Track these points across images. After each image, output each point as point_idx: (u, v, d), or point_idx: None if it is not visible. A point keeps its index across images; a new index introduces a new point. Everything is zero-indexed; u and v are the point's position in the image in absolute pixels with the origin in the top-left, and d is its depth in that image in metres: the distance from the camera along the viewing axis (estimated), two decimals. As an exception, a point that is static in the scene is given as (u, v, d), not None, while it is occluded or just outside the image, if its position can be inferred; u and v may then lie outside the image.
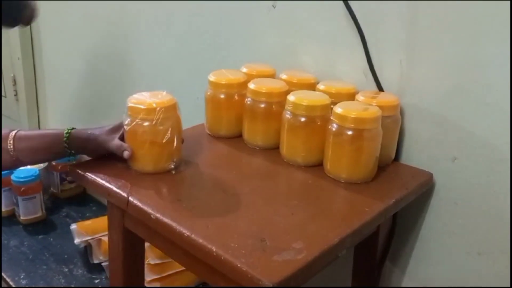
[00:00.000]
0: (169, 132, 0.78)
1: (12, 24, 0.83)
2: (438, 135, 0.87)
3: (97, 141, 0.80)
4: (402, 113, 0.91)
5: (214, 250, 0.61)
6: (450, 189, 0.88)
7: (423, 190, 0.87)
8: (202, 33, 1.23)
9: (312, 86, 0.94)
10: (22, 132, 0.83)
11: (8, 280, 1.35)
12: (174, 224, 0.66)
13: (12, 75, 1.92)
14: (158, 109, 0.77)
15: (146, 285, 1.29)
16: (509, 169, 0.80)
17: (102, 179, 0.78)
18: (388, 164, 0.89)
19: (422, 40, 0.85)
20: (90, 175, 0.79)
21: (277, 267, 0.58)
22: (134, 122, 0.77)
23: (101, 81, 1.64)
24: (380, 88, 0.91)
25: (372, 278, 0.94)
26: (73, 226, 1.45)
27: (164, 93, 0.81)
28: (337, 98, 0.88)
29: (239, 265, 0.58)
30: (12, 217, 1.62)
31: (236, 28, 1.15)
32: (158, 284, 1.30)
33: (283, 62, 1.06)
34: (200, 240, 0.63)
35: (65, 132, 0.82)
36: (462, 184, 0.86)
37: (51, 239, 1.55)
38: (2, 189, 1.59)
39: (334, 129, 0.80)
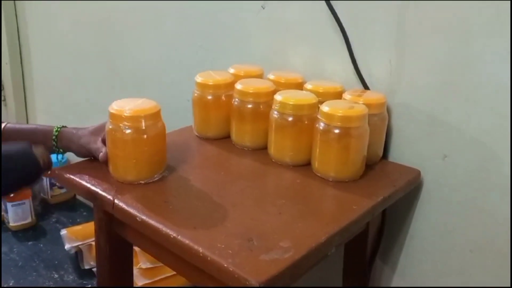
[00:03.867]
0: (153, 141, 0.76)
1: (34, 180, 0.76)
2: (428, 133, 0.88)
3: (80, 142, 0.80)
4: (391, 111, 0.91)
5: (201, 251, 0.61)
6: (441, 186, 0.88)
7: (411, 188, 0.87)
8: (192, 35, 1.23)
9: (299, 86, 0.94)
10: (11, 126, 0.83)
11: (-3, 287, 1.34)
12: (160, 226, 0.66)
13: (-1, 80, 1.90)
14: (142, 116, 0.75)
15: (137, 289, 1.28)
16: (499, 166, 0.80)
17: (87, 182, 0.77)
18: (376, 162, 0.89)
19: (411, 40, 0.85)
20: (76, 179, 0.78)
21: (264, 267, 0.58)
22: (116, 130, 0.75)
23: (91, 85, 1.63)
24: (366, 87, 0.91)
25: (363, 276, 0.94)
26: (63, 232, 1.44)
27: (148, 100, 0.79)
28: (324, 97, 0.88)
29: (225, 265, 0.58)
30: (1, 224, 1.61)
31: (226, 30, 1.15)
32: (150, 289, 1.29)
33: (273, 63, 1.06)
34: (187, 241, 0.63)
35: (54, 129, 0.82)
36: (452, 182, 0.87)
37: (41, 245, 1.53)
38: (-9, 196, 1.58)
39: (321, 127, 0.80)
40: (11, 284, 1.35)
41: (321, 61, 0.99)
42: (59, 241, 1.46)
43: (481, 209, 0.84)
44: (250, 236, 0.64)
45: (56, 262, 1.45)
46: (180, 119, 1.03)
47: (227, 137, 0.96)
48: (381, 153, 0.90)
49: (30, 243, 1.54)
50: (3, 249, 1.49)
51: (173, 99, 1.30)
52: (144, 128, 0.75)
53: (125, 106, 0.76)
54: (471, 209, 0.86)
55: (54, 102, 1.80)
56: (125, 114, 0.74)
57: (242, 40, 1.12)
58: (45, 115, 1.86)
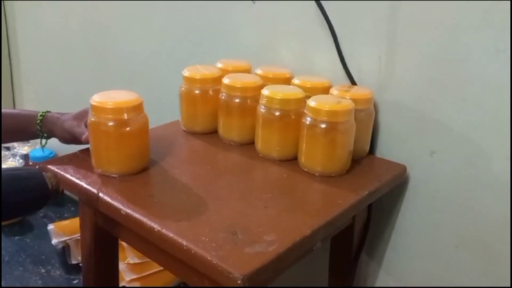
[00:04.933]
0: (136, 133, 0.76)
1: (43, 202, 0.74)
2: (416, 129, 0.88)
3: (63, 126, 0.80)
4: (380, 107, 0.91)
5: (185, 244, 0.60)
6: (428, 182, 0.89)
7: (397, 183, 0.87)
8: (182, 29, 1.22)
9: (287, 81, 0.94)
10: None
11: (-18, 282, 1.33)
12: (144, 219, 0.65)
13: (-13, 74, 1.88)
14: (124, 108, 0.74)
15: (126, 285, 1.28)
16: (487, 163, 0.80)
17: (72, 175, 0.76)
18: (363, 158, 0.90)
19: (401, 36, 0.85)
20: (60, 172, 0.77)
21: (248, 259, 0.58)
22: (99, 123, 0.74)
23: (80, 79, 1.62)
24: (353, 82, 0.91)
25: (349, 271, 0.94)
26: (50, 227, 1.43)
27: (130, 92, 0.78)
28: (312, 92, 0.88)
29: (209, 258, 0.58)
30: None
31: (216, 24, 1.14)
32: (137, 284, 1.29)
33: (262, 58, 1.06)
34: (171, 235, 0.62)
35: (39, 114, 0.82)
36: (440, 178, 0.87)
37: (28, 240, 1.52)
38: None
39: (307, 122, 0.80)
40: (-4, 279, 1.33)
41: (310, 56, 0.99)
42: (46, 236, 1.45)
43: (467, 206, 0.85)
44: (234, 230, 0.64)
45: (43, 257, 1.44)
46: (168, 113, 1.02)
47: (214, 132, 0.96)
48: (367, 148, 0.90)
49: (16, 238, 1.53)
50: (-11, 244, 1.48)
51: (162, 93, 1.30)
52: (126, 120, 0.75)
53: (107, 98, 0.75)
54: (457, 206, 0.86)
55: (43, 96, 1.78)
56: (107, 107, 0.74)
57: (232, 35, 1.12)
58: (33, 108, 1.84)
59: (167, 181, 0.77)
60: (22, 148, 1.84)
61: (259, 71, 0.96)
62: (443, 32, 0.80)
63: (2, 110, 0.83)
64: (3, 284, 1.32)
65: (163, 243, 0.63)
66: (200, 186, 0.76)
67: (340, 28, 0.92)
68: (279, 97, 0.83)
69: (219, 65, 1.00)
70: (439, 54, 0.82)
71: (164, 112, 1.07)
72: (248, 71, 1.00)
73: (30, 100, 1.86)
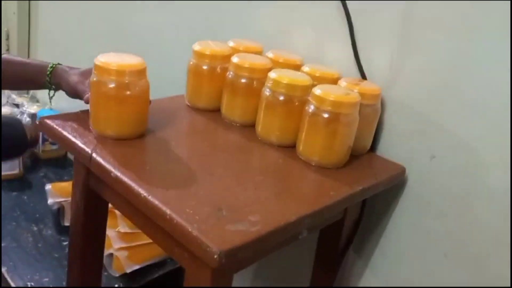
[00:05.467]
0: (136, 97, 0.75)
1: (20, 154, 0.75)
2: (419, 131, 0.86)
3: (69, 80, 0.80)
4: (385, 105, 0.90)
5: (168, 213, 0.60)
6: (424, 187, 0.87)
7: (394, 183, 0.86)
8: (200, 5, 1.21)
9: (297, 68, 0.93)
10: (7, 56, 0.82)
11: (-25, 232, 1.34)
12: (132, 184, 0.65)
13: (6, 29, 1.89)
14: (126, 71, 0.73)
15: (113, 252, 1.28)
16: (485, 175, 0.79)
17: (69, 133, 0.76)
18: (363, 154, 0.88)
19: (416, 34, 0.84)
20: (58, 128, 0.77)
21: (228, 236, 0.57)
22: (100, 83, 0.74)
23: (95, 43, 1.62)
24: (364, 77, 0.90)
25: (333, 265, 0.93)
26: (48, 187, 1.44)
27: (135, 56, 0.78)
28: (320, 81, 0.87)
29: (190, 229, 0.57)
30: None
31: (233, 3, 1.13)
32: (125, 253, 1.29)
33: (276, 42, 1.04)
34: (156, 202, 0.62)
35: (49, 65, 0.82)
36: (436, 183, 0.86)
37: (25, 197, 1.53)
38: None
39: (310, 110, 0.78)
40: (-11, 230, 1.35)
41: (324, 46, 0.98)
42: (44, 195, 1.46)
43: (461, 215, 0.83)
44: (220, 206, 0.63)
45: (37, 215, 1.45)
46: (176, 87, 1.02)
47: (217, 110, 0.95)
48: (369, 145, 0.89)
49: (14, 193, 1.54)
50: (-15, 195, 1.50)
51: (171, 67, 1.29)
52: (127, 83, 0.74)
53: (111, 59, 0.75)
54: (450, 213, 0.85)
55: (57, 58, 1.78)
56: (110, 68, 0.73)
57: (249, 16, 1.11)
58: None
59: (162, 151, 0.77)
60: (31, 107, 1.85)
61: (270, 54, 0.95)
62: (457, 35, 0.79)
63: (14, 58, 0.83)
64: (-6, 236, 1.33)
65: (148, 210, 0.63)
66: (194, 160, 0.75)
67: (357, 21, 0.90)
68: (285, 82, 0.81)
69: (231, 43, 0.99)
70: (450, 57, 0.80)
71: (171, 86, 1.07)
72: (259, 53, 0.99)
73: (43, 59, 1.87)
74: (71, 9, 1.68)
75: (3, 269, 1.23)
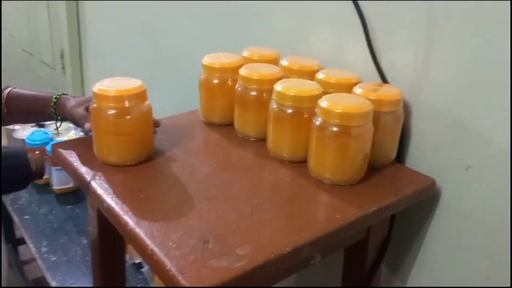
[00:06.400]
0: (136, 122, 0.73)
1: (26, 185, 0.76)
2: (452, 139, 0.76)
3: (71, 109, 0.80)
4: (412, 111, 0.80)
5: (150, 248, 0.57)
6: (462, 201, 0.77)
7: (421, 198, 0.76)
8: (222, 14, 1.18)
9: (313, 74, 0.86)
10: (16, 91, 0.84)
11: (31, 246, 1.42)
12: (121, 214, 0.63)
13: (60, 48, 1.99)
14: (125, 96, 0.72)
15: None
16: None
17: (74, 160, 0.76)
18: (386, 166, 0.80)
19: (440, 30, 0.74)
20: (65, 155, 0.78)
21: (206, 274, 0.53)
22: (99, 110, 0.73)
23: (133, 58, 1.65)
24: (385, 80, 0.81)
25: (363, 286, 0.85)
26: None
27: (135, 79, 0.76)
28: (335, 88, 0.80)
29: (168, 267, 0.54)
30: (47, 186, 1.69)
31: (252, 9, 1.08)
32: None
33: (296, 47, 0.98)
34: (141, 235, 0.59)
35: (54, 96, 0.82)
36: (475, 197, 0.75)
37: (78, 210, 1.60)
38: (38, 159, 1.66)
39: (317, 123, 0.72)
40: (43, 244, 1.42)
41: (344, 48, 0.90)
42: (94, 208, 1.51)
43: (504, 232, 0.72)
44: (208, 237, 0.59)
45: (88, 228, 1.50)
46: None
47: (232, 124, 0.91)
48: (392, 156, 0.80)
49: (68, 207, 1.61)
50: (44, 210, 1.58)
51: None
52: (127, 108, 0.73)
53: (109, 85, 0.73)
54: (493, 230, 0.74)
55: (105, 73, 1.85)
56: (108, 94, 0.72)
57: (268, 21, 1.05)
58: (96, 80, 1.93)
59: (162, 175, 0.74)
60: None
61: (284, 62, 0.89)
62: (489, 26, 0.68)
63: (25, 91, 0.85)
64: (48, 250, 1.40)
65: (133, 241, 0.61)
66: (193, 183, 0.72)
67: (375, 19, 0.81)
68: (291, 94, 0.75)
69: (245, 53, 0.94)
70: (482, 53, 0.69)
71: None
72: (275, 60, 0.93)
73: (94, 75, 1.94)
74: (113, 28, 1.73)
75: (53, 283, 1.29)
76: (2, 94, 0.82)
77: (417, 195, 0.74)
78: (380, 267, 0.86)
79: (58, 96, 0.82)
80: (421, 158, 0.81)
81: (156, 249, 0.57)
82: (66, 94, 0.84)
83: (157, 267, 0.56)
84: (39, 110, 0.83)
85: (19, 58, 2.52)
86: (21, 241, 1.79)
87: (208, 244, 0.58)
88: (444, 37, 0.74)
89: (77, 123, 0.79)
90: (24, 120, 0.86)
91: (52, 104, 0.82)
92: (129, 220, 0.62)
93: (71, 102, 0.81)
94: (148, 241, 0.58)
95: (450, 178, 0.78)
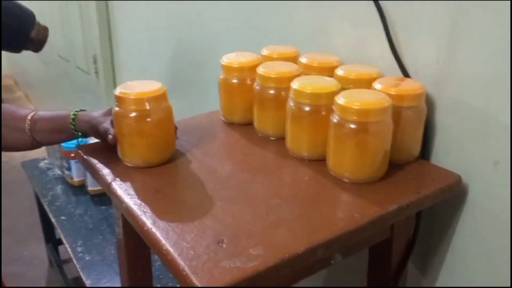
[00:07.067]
0: (158, 124, 0.74)
1: (19, 47, 0.77)
2: (478, 133, 0.73)
3: (91, 124, 0.80)
4: (436, 105, 0.78)
5: (165, 248, 0.58)
6: (491, 198, 0.74)
7: (446, 196, 0.73)
8: (245, 13, 1.18)
9: (333, 71, 0.84)
10: (39, 113, 0.85)
11: (67, 246, 1.47)
12: (139, 214, 0.64)
13: (93, 54, 2.05)
14: (145, 98, 0.73)
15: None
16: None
17: (97, 162, 0.78)
18: (410, 162, 0.77)
19: (465, 21, 0.71)
20: (87, 158, 0.80)
21: (219, 275, 0.53)
22: (121, 113, 0.74)
23: (162, 60, 1.68)
24: (406, 74, 0.78)
25: (389, 286, 0.83)
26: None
27: (155, 82, 0.77)
28: (355, 84, 0.78)
29: (181, 267, 0.55)
30: (83, 187, 1.75)
31: (274, 7, 1.08)
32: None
33: (315, 44, 0.97)
34: (157, 235, 0.60)
35: (72, 113, 0.83)
36: (505, 194, 0.71)
37: (112, 211, 1.64)
38: (74, 161, 1.71)
39: (335, 121, 0.70)
40: (79, 244, 1.46)
41: (365, 43, 0.88)
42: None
43: (537, 230, 0.69)
44: (222, 238, 0.59)
45: (121, 228, 1.54)
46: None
47: (252, 123, 0.90)
48: (416, 152, 0.78)
49: (103, 207, 1.65)
50: (79, 211, 1.63)
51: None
52: (148, 111, 0.74)
53: (131, 88, 0.75)
54: (524, 229, 0.70)
55: (136, 76, 1.89)
56: (129, 97, 0.73)
57: (288, 19, 1.04)
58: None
59: (181, 175, 0.75)
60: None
61: (303, 60, 0.88)
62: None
63: (46, 112, 0.85)
64: (83, 250, 1.44)
65: (149, 241, 0.61)
66: (211, 183, 0.72)
67: (396, 12, 0.79)
68: (308, 91, 0.74)
69: (265, 52, 0.93)
70: (509, 45, 0.66)
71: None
72: (295, 58, 0.92)
73: (127, 79, 1.98)
74: (142, 33, 1.76)
75: (87, 282, 1.32)
76: (27, 119, 0.83)
77: (441, 192, 0.72)
78: (407, 267, 0.84)
79: (76, 113, 0.83)
80: (447, 154, 0.78)
81: (170, 249, 0.57)
82: (83, 110, 0.84)
83: (171, 267, 0.56)
84: (60, 129, 0.83)
85: (56, 65, 2.61)
86: (61, 241, 1.86)
87: (222, 244, 0.58)
88: (468, 28, 0.71)
89: (99, 134, 0.79)
90: (49, 141, 0.86)
91: (71, 120, 0.82)
92: (146, 220, 0.63)
93: (95, 114, 0.81)
94: (163, 241, 0.59)
95: (478, 174, 0.74)
